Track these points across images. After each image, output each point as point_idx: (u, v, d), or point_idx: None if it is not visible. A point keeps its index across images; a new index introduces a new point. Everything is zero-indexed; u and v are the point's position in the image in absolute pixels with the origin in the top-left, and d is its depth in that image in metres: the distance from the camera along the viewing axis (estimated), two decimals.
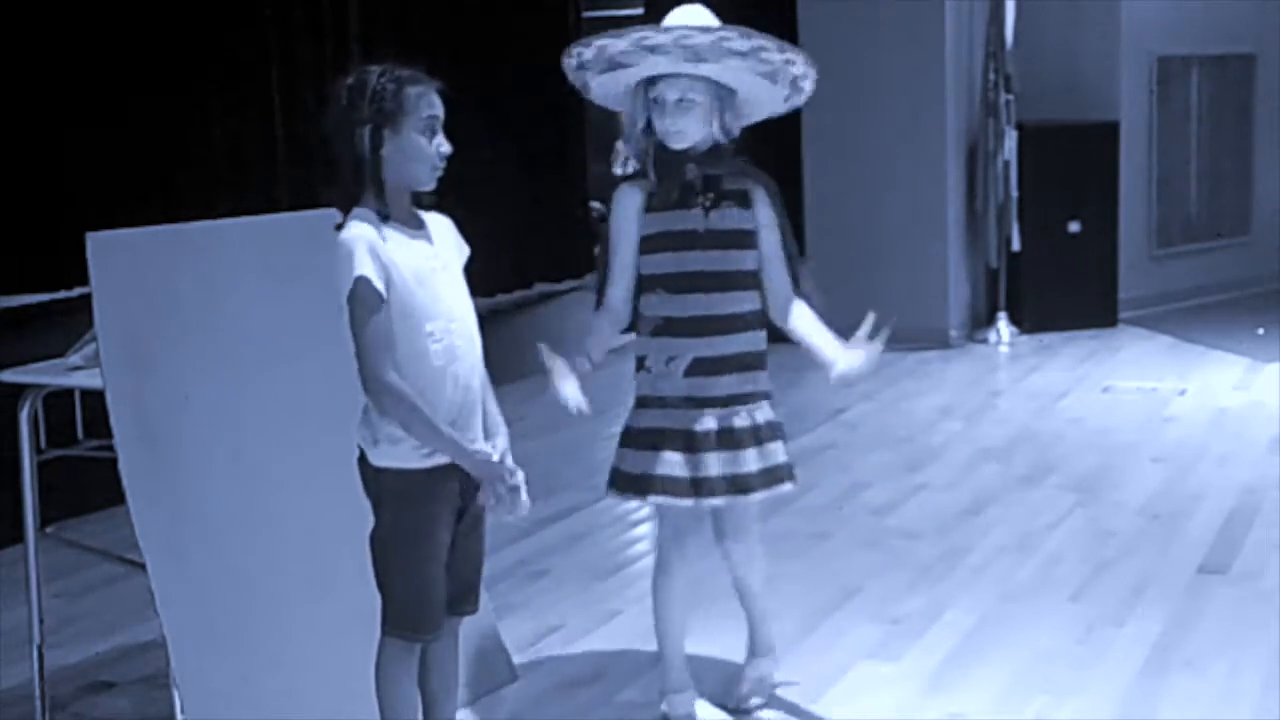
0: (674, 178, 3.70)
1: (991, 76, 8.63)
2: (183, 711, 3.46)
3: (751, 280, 3.72)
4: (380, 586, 3.19)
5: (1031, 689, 4.02)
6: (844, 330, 3.67)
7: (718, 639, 4.26)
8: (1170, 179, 9.50)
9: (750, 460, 3.69)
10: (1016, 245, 8.72)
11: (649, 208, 3.74)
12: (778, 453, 3.74)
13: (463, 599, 3.29)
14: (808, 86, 3.70)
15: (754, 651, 4.05)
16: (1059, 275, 8.82)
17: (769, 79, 3.63)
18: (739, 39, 3.53)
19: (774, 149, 9.37)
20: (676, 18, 3.66)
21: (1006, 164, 8.63)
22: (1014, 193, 8.67)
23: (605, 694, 4.10)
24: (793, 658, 4.28)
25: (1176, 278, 9.52)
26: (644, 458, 3.71)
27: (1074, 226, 8.87)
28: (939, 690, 4.05)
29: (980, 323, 8.88)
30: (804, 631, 4.47)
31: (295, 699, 3.63)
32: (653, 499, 3.72)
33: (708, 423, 3.66)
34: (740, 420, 3.68)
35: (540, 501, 5.60)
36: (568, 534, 5.49)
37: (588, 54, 3.64)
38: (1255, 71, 9.84)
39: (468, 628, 3.40)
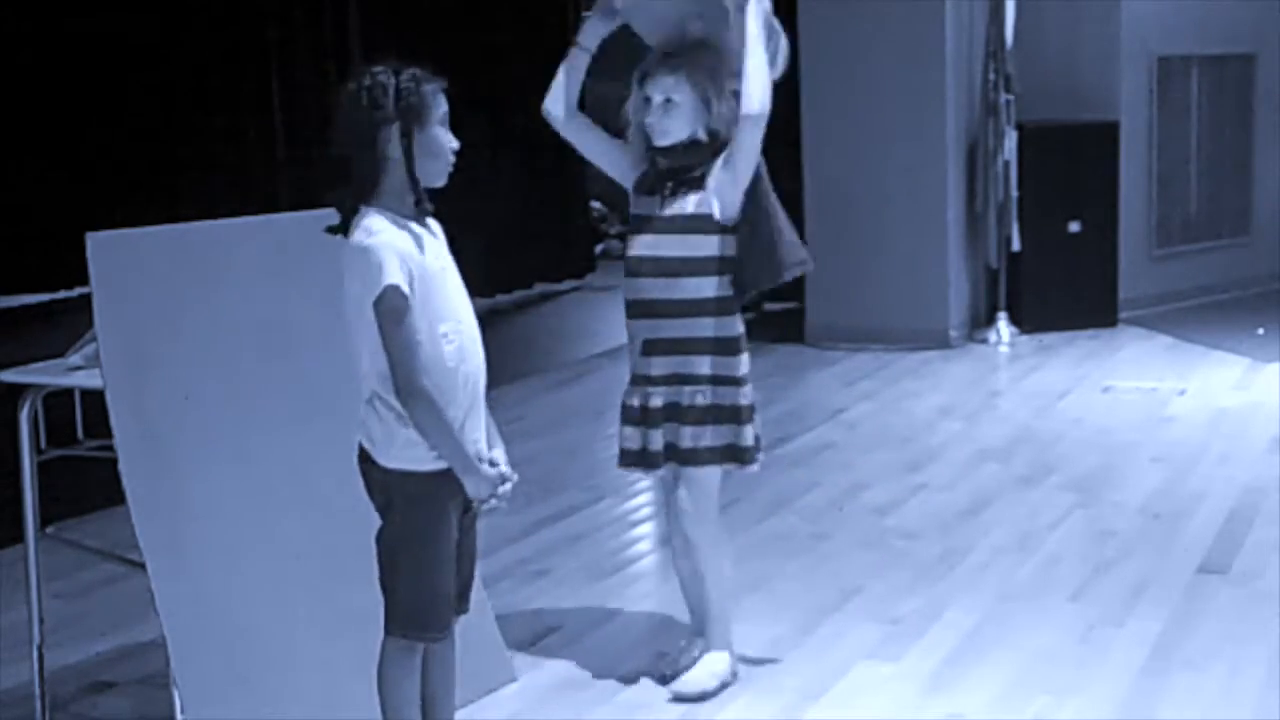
0: (651, 167, 3.98)
1: (991, 76, 8.63)
2: (183, 711, 3.46)
3: (709, 266, 3.88)
4: (386, 587, 3.18)
5: (1031, 689, 4.02)
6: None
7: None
8: (1170, 179, 9.49)
9: (686, 437, 3.93)
10: (1016, 245, 8.71)
11: (636, 191, 4.02)
12: (724, 435, 3.94)
13: (460, 598, 3.29)
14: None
15: (700, 634, 4.15)
16: (1059, 275, 8.81)
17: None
18: None
19: (773, 149, 9.38)
20: None
21: (1006, 164, 8.62)
22: (1014, 193, 8.66)
23: (605, 694, 4.09)
24: (793, 658, 4.28)
25: (1176, 278, 9.51)
26: (621, 432, 4.05)
27: (1074, 226, 8.87)
28: (939, 690, 4.05)
29: (980, 323, 8.87)
30: (804, 631, 4.47)
31: (295, 699, 3.62)
32: (621, 468, 4.09)
33: (656, 400, 3.94)
34: (685, 399, 3.92)
35: (540, 501, 5.67)
36: (568, 534, 5.48)
37: None
38: (1255, 71, 9.83)
39: (467, 627, 3.40)
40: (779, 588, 4.85)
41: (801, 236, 4.17)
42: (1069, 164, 8.81)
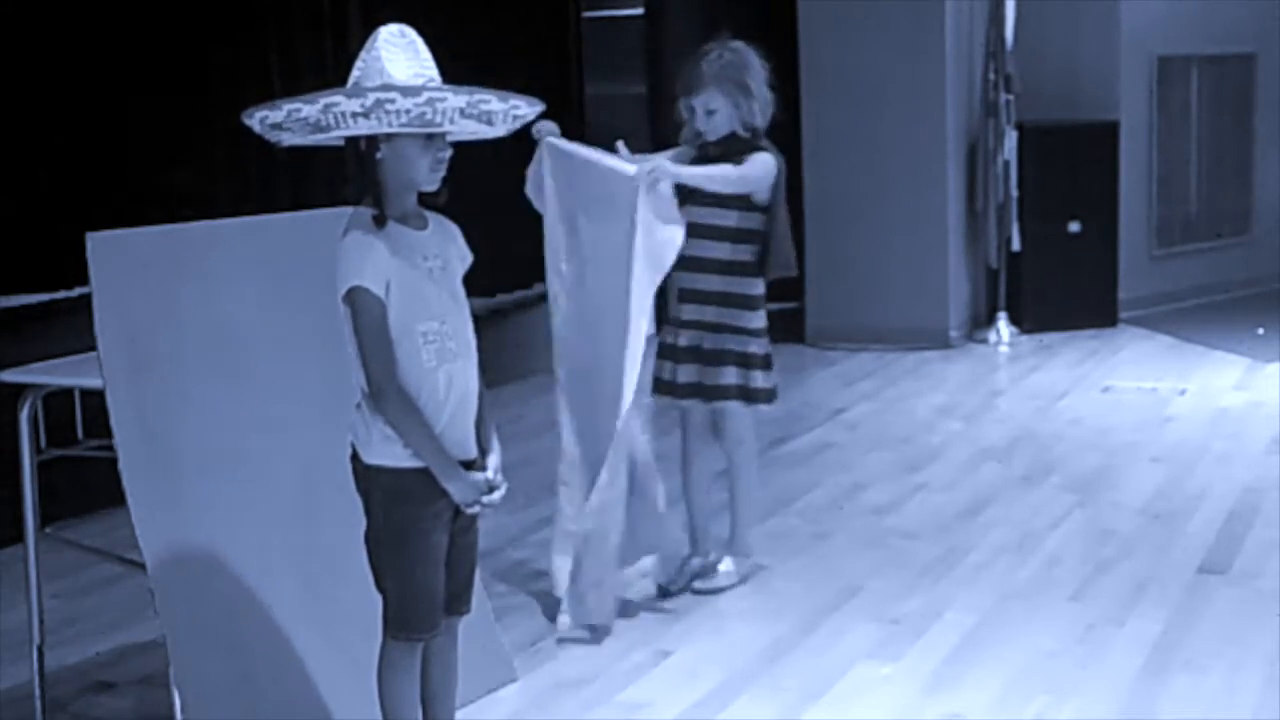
0: (701, 153, 4.71)
1: (991, 76, 8.63)
2: (183, 711, 3.46)
3: (728, 234, 4.67)
4: (378, 586, 3.19)
5: (1031, 689, 4.02)
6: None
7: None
8: (1170, 179, 9.50)
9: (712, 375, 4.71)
10: (1016, 245, 8.72)
11: None
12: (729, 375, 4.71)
13: (459, 598, 3.28)
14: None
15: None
16: (1059, 275, 8.82)
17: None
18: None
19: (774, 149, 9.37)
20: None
21: (1006, 164, 8.63)
22: (1014, 193, 8.67)
23: (605, 694, 4.09)
24: (793, 658, 4.28)
25: (1176, 278, 9.52)
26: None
27: (1074, 226, 8.87)
28: (939, 690, 4.05)
29: (980, 323, 8.88)
30: (804, 631, 4.47)
31: (295, 699, 3.63)
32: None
33: (683, 340, 4.76)
34: (707, 344, 4.70)
35: (540, 501, 5.66)
36: None
37: None
38: (1255, 71, 9.84)
39: (467, 627, 3.40)
40: (779, 588, 4.85)
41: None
42: (1069, 164, 8.81)
